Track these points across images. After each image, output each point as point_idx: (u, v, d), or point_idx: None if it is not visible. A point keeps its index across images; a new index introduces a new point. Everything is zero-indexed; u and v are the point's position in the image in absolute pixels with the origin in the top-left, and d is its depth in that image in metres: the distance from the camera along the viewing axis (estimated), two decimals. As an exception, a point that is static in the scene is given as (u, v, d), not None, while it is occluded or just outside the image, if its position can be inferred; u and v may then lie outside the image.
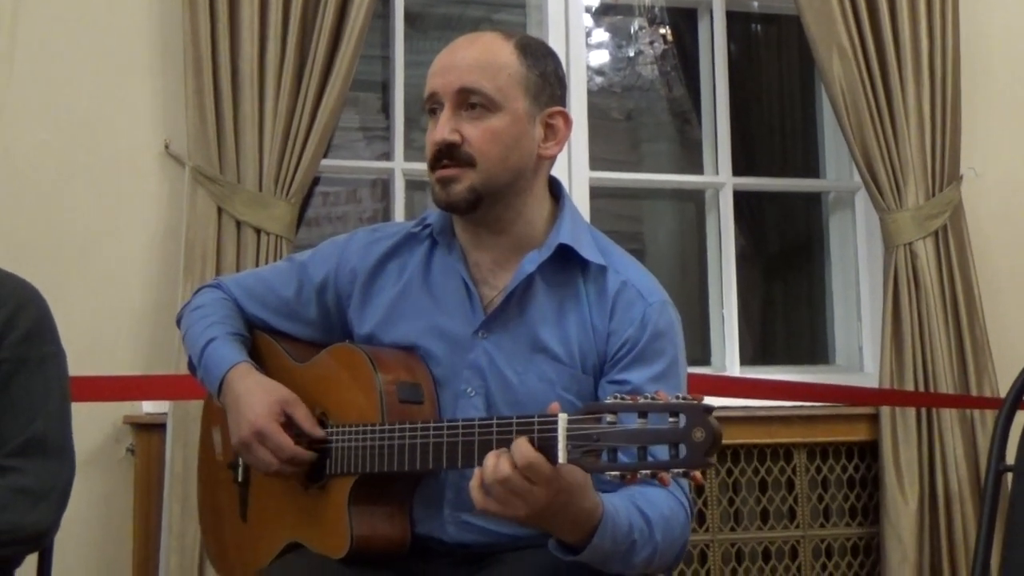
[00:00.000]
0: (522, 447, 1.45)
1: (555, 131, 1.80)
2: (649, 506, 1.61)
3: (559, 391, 1.74)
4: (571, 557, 1.54)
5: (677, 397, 1.40)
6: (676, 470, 1.37)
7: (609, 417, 1.41)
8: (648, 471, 1.38)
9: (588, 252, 1.79)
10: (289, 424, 1.77)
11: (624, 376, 1.74)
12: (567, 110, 1.82)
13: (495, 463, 1.47)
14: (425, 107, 1.79)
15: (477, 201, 1.74)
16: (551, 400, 1.62)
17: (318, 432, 1.78)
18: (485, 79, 1.73)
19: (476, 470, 1.50)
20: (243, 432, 1.77)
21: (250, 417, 1.76)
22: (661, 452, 1.38)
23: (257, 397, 1.78)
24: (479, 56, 1.75)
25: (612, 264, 1.80)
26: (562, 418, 1.45)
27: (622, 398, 1.42)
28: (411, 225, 1.89)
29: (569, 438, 1.44)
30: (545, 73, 1.78)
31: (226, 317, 1.93)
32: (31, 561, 1.84)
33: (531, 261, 1.77)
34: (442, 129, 1.73)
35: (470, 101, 1.73)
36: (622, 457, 1.41)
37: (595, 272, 1.79)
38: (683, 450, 1.36)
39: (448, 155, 1.73)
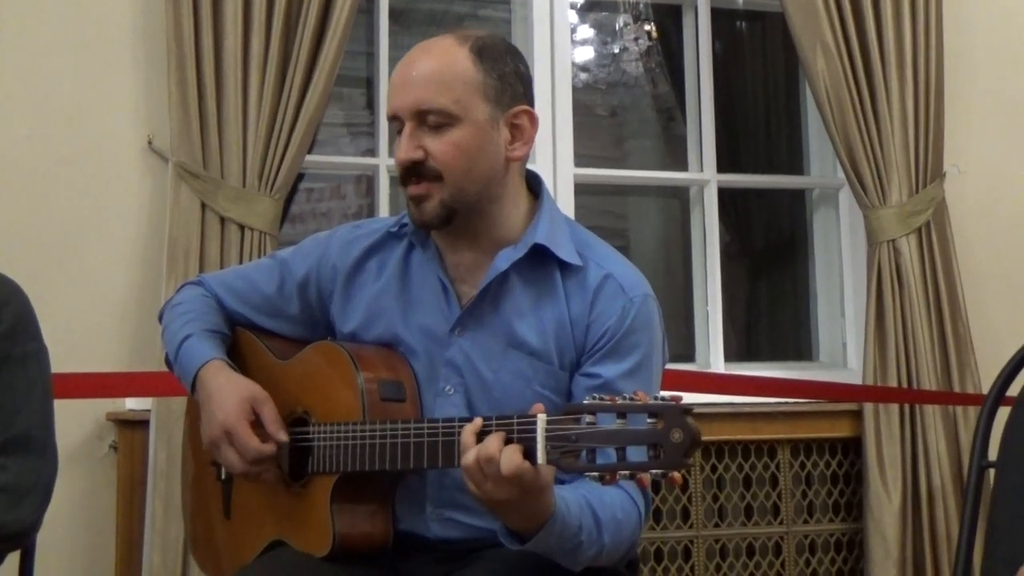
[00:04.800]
0: (513, 454, 1.46)
1: (521, 131, 1.78)
2: (603, 508, 1.63)
3: (535, 387, 1.74)
4: (517, 545, 1.56)
5: (656, 398, 1.40)
6: (655, 471, 1.37)
7: (588, 418, 1.42)
8: (627, 472, 1.38)
9: (564, 252, 1.78)
10: (259, 422, 1.77)
11: (596, 369, 1.74)
12: (532, 107, 1.80)
13: (491, 446, 1.48)
14: (391, 125, 1.78)
15: (450, 216, 1.75)
16: (527, 396, 1.64)
17: (281, 436, 1.77)
18: (440, 94, 1.71)
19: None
20: (213, 430, 1.77)
21: (219, 416, 1.76)
22: (640, 453, 1.38)
23: (227, 395, 1.78)
24: (433, 69, 1.73)
25: (594, 258, 1.80)
26: (541, 419, 1.46)
27: (600, 398, 1.43)
28: (391, 223, 1.89)
29: (548, 439, 1.45)
30: (504, 74, 1.76)
31: (204, 314, 1.93)
32: (13, 559, 1.83)
33: (504, 259, 1.77)
34: (405, 148, 1.73)
35: (428, 119, 1.72)
36: (600, 458, 1.41)
37: (575, 268, 1.79)
38: (661, 451, 1.37)
39: (415, 172, 1.73)
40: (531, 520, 1.53)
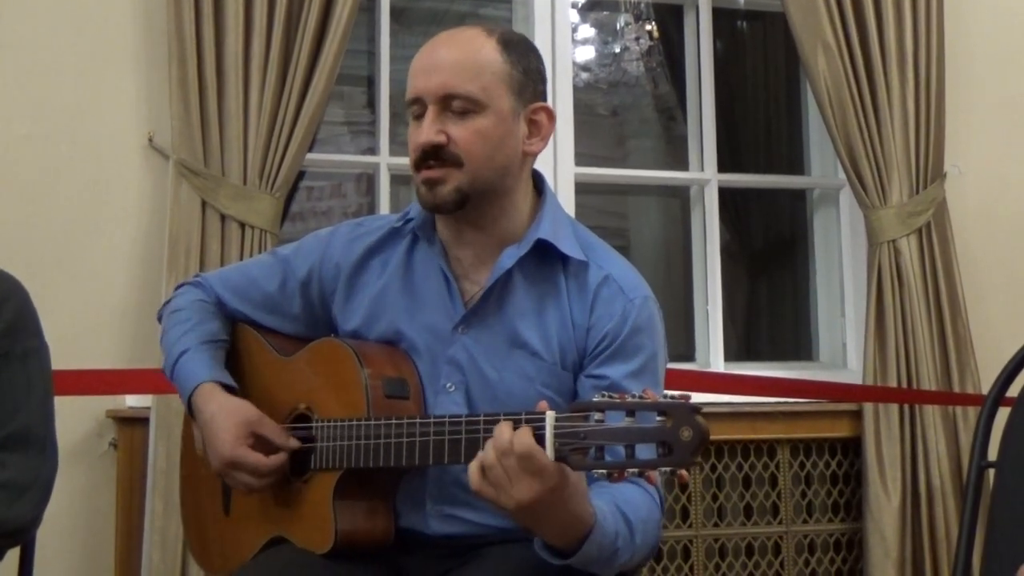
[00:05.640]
0: (523, 435, 1.45)
1: (539, 127, 1.80)
2: (631, 510, 1.62)
3: (538, 387, 1.74)
4: (559, 561, 1.54)
5: (665, 396, 1.40)
6: (663, 469, 1.37)
7: (597, 415, 1.42)
8: (636, 469, 1.38)
9: (568, 247, 1.78)
10: (260, 444, 1.77)
11: (602, 371, 1.74)
12: (549, 105, 1.82)
13: (503, 435, 1.46)
14: (408, 107, 1.77)
15: (463, 201, 1.74)
16: (530, 396, 1.63)
17: (292, 444, 1.78)
18: (468, 80, 1.72)
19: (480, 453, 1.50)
20: (216, 465, 1.78)
21: (219, 448, 1.76)
22: (648, 450, 1.38)
23: (221, 425, 1.77)
24: (462, 56, 1.73)
25: (594, 259, 1.80)
26: (550, 415, 1.45)
27: (609, 396, 1.42)
28: (394, 219, 1.89)
29: (557, 435, 1.44)
30: (528, 69, 1.77)
31: (201, 322, 1.92)
32: (12, 556, 1.83)
33: (509, 256, 1.77)
34: (428, 131, 1.72)
35: (454, 105, 1.72)
36: (609, 455, 1.41)
37: (576, 267, 1.79)
38: (670, 449, 1.37)
39: (434, 155, 1.72)
40: (569, 532, 1.51)
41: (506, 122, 1.74)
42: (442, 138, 1.72)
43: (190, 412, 1.85)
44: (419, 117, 1.75)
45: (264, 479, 1.76)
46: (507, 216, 1.79)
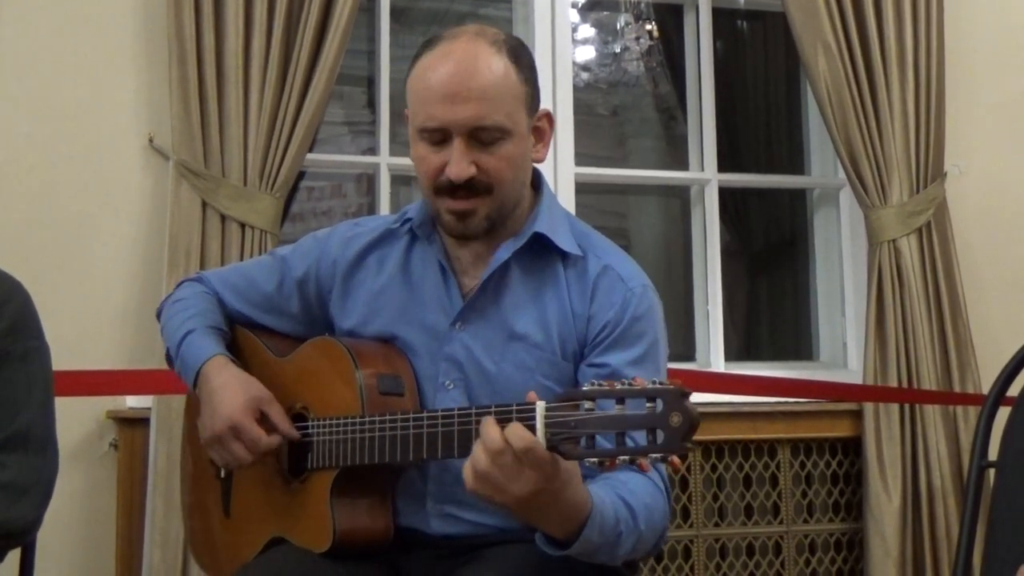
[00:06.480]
0: (518, 429, 1.44)
1: (543, 133, 1.80)
2: (632, 496, 1.61)
3: (538, 378, 1.74)
4: (559, 552, 1.53)
5: (654, 382, 1.39)
6: (654, 455, 1.37)
7: (587, 404, 1.42)
8: (626, 456, 1.38)
9: (563, 241, 1.79)
10: (264, 422, 1.77)
11: (603, 359, 1.74)
12: (548, 108, 1.81)
13: (492, 434, 1.45)
14: (423, 132, 1.71)
15: (493, 226, 1.75)
16: (530, 387, 1.62)
17: (293, 434, 1.78)
18: (497, 111, 1.69)
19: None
20: (217, 426, 1.77)
21: (226, 411, 1.76)
22: (639, 437, 1.38)
23: (233, 392, 1.77)
24: (487, 84, 1.68)
25: (592, 250, 1.80)
26: (540, 406, 1.45)
27: (600, 384, 1.42)
28: (391, 220, 1.89)
29: (547, 425, 1.44)
30: (532, 79, 1.77)
31: (205, 310, 1.93)
32: (13, 557, 1.83)
33: (506, 249, 1.77)
34: (459, 165, 1.68)
35: (482, 136, 1.69)
36: (600, 443, 1.41)
37: (574, 258, 1.79)
38: (660, 435, 1.36)
39: (465, 186, 1.71)
40: (568, 520, 1.50)
41: (524, 140, 1.74)
42: (473, 170, 1.69)
43: (194, 386, 1.85)
44: (438, 143, 1.71)
45: (257, 457, 1.76)
46: (510, 216, 1.79)
